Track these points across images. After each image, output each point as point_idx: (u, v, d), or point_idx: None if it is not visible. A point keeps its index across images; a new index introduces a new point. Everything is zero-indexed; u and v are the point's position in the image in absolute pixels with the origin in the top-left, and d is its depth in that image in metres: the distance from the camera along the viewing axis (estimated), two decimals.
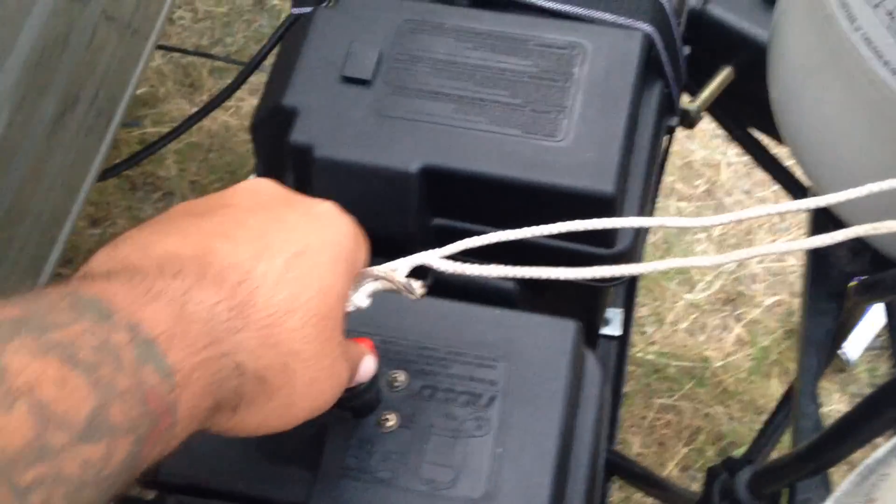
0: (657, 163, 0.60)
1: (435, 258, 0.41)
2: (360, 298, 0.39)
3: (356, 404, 0.43)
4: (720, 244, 1.23)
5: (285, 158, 0.54)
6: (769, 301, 1.18)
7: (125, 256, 0.31)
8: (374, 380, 0.42)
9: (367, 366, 0.40)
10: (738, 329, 1.16)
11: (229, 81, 0.78)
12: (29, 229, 0.62)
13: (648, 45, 0.57)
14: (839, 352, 1.10)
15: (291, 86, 0.54)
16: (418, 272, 0.41)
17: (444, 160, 0.52)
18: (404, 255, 0.41)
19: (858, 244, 0.62)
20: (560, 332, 0.46)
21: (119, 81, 0.72)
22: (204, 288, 0.30)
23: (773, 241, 1.23)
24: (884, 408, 0.44)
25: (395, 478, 0.42)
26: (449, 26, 0.56)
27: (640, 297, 1.13)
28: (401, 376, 0.45)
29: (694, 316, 1.17)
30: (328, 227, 0.35)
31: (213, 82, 1.32)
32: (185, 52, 1.29)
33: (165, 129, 1.30)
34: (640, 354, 1.12)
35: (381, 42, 0.55)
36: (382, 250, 0.42)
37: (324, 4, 0.60)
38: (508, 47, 0.55)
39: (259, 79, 1.33)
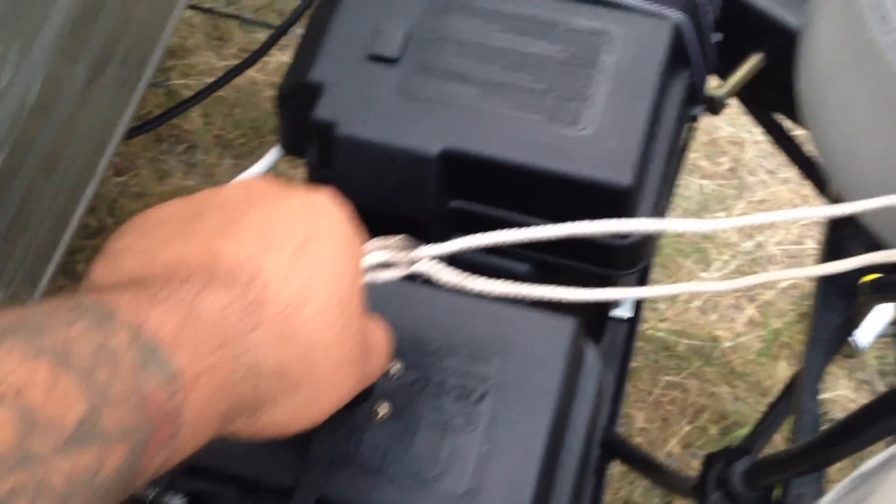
0: (677, 152, 0.60)
1: (432, 265, 0.40)
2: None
3: None
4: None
5: (308, 133, 0.55)
6: (784, 283, 1.18)
7: (129, 269, 0.30)
8: None
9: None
10: (750, 310, 1.16)
11: (258, 35, 0.78)
12: (59, 184, 0.64)
13: (678, 34, 0.57)
14: (849, 338, 1.10)
15: (318, 61, 0.55)
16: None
17: (464, 144, 0.52)
18: (421, 236, 0.41)
19: (874, 242, 0.62)
20: (557, 329, 0.46)
21: (150, 41, 0.73)
22: (214, 290, 0.29)
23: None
24: (884, 416, 0.44)
25: (383, 468, 0.42)
26: (478, 7, 0.56)
27: (655, 274, 1.13)
28: (395, 365, 0.45)
29: (707, 294, 1.17)
30: (327, 214, 0.34)
31: (243, 35, 1.32)
32: (215, 12, 1.28)
33: (192, 82, 1.30)
34: (650, 331, 1.13)
35: (410, 21, 0.55)
36: (400, 230, 0.43)
37: None
38: (537, 31, 0.55)
39: (289, 36, 1.33)
